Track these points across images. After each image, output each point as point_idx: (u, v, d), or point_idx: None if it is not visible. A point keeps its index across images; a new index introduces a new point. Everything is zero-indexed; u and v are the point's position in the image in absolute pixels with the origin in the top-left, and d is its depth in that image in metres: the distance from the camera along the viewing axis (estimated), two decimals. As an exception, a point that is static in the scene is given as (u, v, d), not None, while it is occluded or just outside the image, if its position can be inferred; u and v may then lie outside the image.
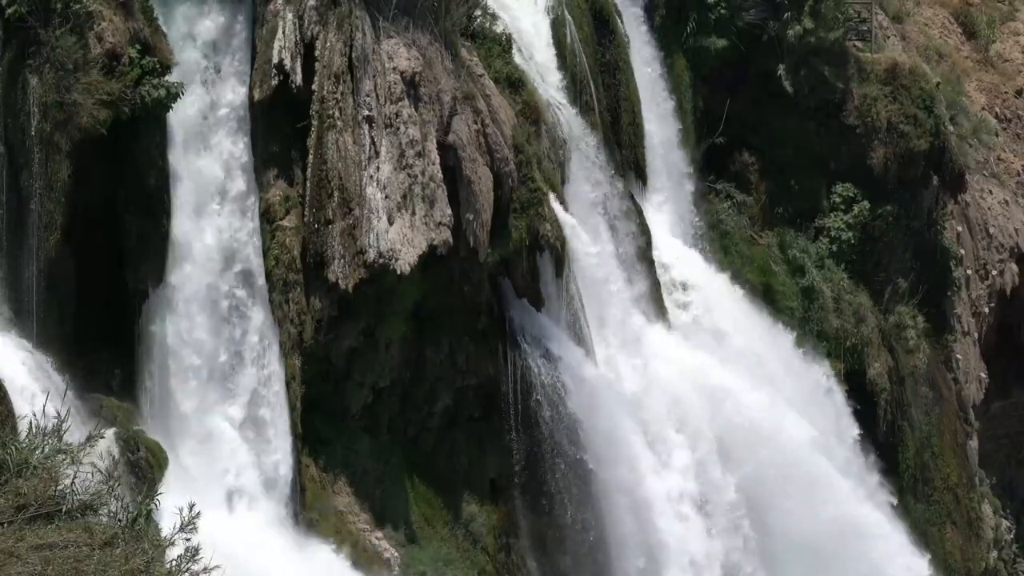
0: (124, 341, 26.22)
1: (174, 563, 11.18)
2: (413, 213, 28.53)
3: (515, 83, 32.55)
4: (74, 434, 12.79)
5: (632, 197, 36.21)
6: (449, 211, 28.96)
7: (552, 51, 34.89)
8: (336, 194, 28.06)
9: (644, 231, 36.00)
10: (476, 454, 31.31)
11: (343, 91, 28.29)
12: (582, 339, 32.65)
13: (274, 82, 27.83)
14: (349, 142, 28.22)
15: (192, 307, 27.01)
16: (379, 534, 29.11)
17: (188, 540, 11.31)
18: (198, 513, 11.22)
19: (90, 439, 11.99)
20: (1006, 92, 50.89)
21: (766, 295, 39.45)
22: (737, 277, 39.00)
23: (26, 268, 24.57)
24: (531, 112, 32.72)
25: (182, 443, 26.58)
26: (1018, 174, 50.05)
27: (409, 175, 28.60)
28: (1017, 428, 49.58)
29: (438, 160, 29.04)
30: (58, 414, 12.06)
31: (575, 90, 35.06)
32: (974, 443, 45.15)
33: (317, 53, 28.25)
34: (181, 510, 11.38)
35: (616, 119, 36.90)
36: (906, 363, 41.97)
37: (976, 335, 45.96)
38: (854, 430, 39.23)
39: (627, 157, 37.03)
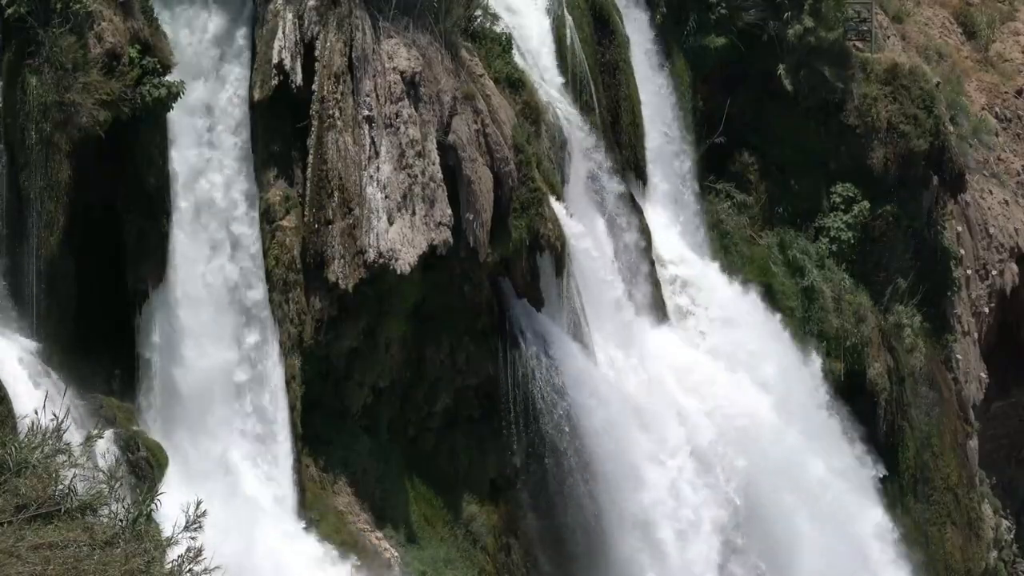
0: (124, 341, 26.21)
1: (174, 564, 11.17)
2: (413, 213, 28.53)
3: (515, 83, 32.54)
4: (74, 434, 12.78)
5: (632, 197, 36.20)
6: (449, 211, 28.96)
7: (552, 51, 34.88)
8: (336, 194, 28.05)
9: (644, 231, 36.00)
10: (476, 454, 31.31)
11: (343, 91, 28.29)
12: (582, 339, 32.65)
13: (274, 82, 27.82)
14: (349, 142, 28.22)
15: (192, 307, 27.01)
16: (379, 534, 29.10)
17: (193, 539, 11.27)
18: (204, 512, 11.19)
19: (89, 439, 11.97)
20: (1006, 92, 50.89)
21: (766, 295, 39.43)
22: (737, 277, 38.99)
23: (26, 268, 24.55)
24: (531, 112, 32.72)
25: (182, 443, 26.56)
26: (1018, 174, 50.06)
27: (409, 175, 28.59)
28: (1017, 428, 49.58)
29: (438, 160, 29.03)
30: (55, 415, 12.04)
31: (575, 90, 35.06)
32: (974, 443, 45.14)
33: (317, 53, 28.24)
34: (187, 508, 11.34)
35: (616, 119, 36.89)
36: (906, 363, 41.96)
37: (976, 335, 45.96)
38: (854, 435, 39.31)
39: (627, 157, 37.02)
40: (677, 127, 39.47)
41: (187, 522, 11.04)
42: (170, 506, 12.81)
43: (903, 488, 41.46)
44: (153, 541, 11.49)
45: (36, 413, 12.70)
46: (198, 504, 11.07)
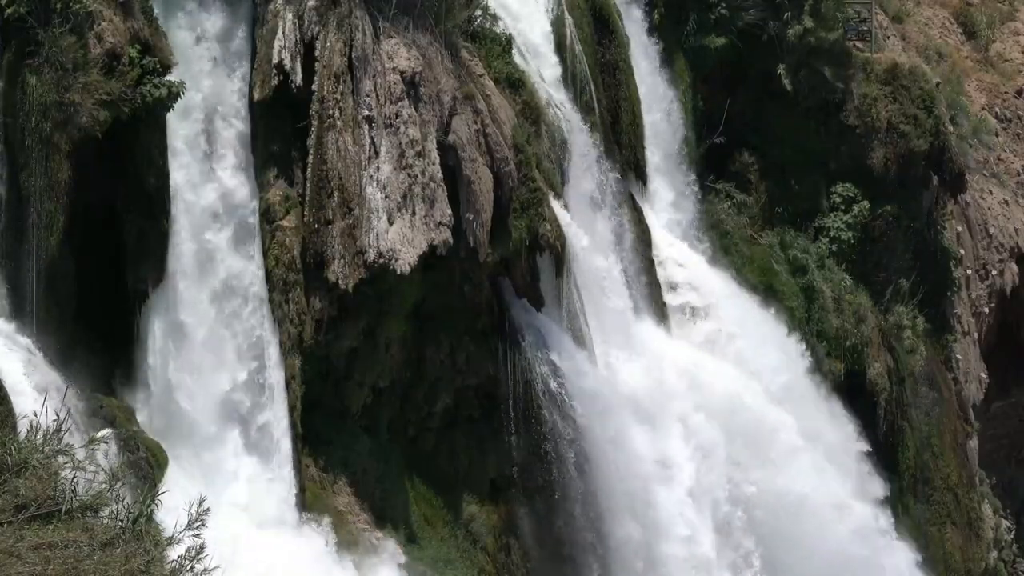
0: (124, 341, 26.20)
1: (175, 563, 11.15)
2: (413, 213, 28.53)
3: (515, 83, 32.54)
4: (74, 435, 12.76)
5: (632, 197, 36.20)
6: (449, 211, 28.96)
7: (552, 51, 34.87)
8: (336, 194, 28.05)
9: (644, 231, 36.00)
10: (476, 454, 31.31)
11: (343, 91, 28.28)
12: (582, 339, 32.65)
13: (274, 82, 27.82)
14: (349, 142, 28.21)
15: (192, 307, 27.01)
16: (379, 534, 29.10)
17: (198, 537, 11.24)
18: (207, 509, 11.16)
19: (92, 442, 11.96)
20: (1006, 92, 50.89)
21: (766, 295, 39.44)
22: (737, 277, 38.99)
23: (26, 268, 24.54)
24: (531, 112, 32.72)
25: (181, 443, 26.56)
26: (1018, 174, 50.07)
27: (409, 175, 28.59)
28: (1017, 428, 49.58)
29: (438, 160, 29.03)
30: (57, 415, 12.02)
31: (575, 90, 35.05)
32: (974, 443, 45.15)
33: (317, 53, 28.24)
34: (191, 506, 11.31)
35: (616, 119, 36.89)
36: (906, 363, 41.96)
37: (976, 335, 45.96)
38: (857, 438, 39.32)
39: (627, 157, 37.02)
40: (677, 127, 39.46)
41: (190, 520, 11.03)
42: (170, 506, 12.80)
43: (903, 488, 41.46)
44: (153, 541, 11.48)
45: (35, 415, 12.68)
46: (201, 502, 11.05)
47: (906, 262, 42.45)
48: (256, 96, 27.78)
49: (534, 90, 33.14)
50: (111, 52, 25.01)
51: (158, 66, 25.42)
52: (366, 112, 28.43)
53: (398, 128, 28.70)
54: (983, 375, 46.07)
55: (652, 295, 36.08)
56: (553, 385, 31.38)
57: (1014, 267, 47.54)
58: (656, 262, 36.46)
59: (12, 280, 24.65)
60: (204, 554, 11.19)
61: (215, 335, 27.40)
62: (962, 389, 44.71)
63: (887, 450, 40.84)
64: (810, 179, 41.67)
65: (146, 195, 25.83)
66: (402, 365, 30.27)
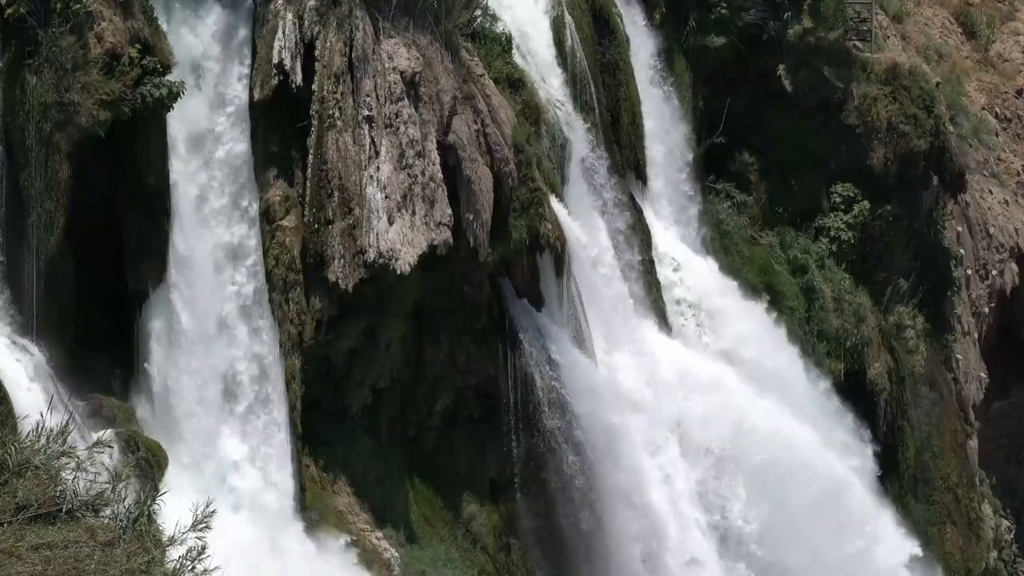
0: (124, 341, 26.18)
1: (176, 562, 11.15)
2: (413, 213, 28.52)
3: (515, 83, 32.54)
4: (75, 435, 12.76)
5: (632, 197, 36.20)
6: (449, 211, 28.95)
7: (552, 51, 34.87)
8: (336, 194, 28.04)
9: (644, 231, 36.00)
10: (476, 454, 31.31)
11: (343, 91, 28.27)
12: (582, 339, 32.64)
13: (274, 82, 27.80)
14: (349, 142, 28.21)
15: (192, 307, 27.00)
16: (379, 534, 29.10)
17: (201, 538, 11.24)
18: (213, 511, 11.16)
19: (97, 444, 11.96)
20: (1006, 92, 50.91)
21: (766, 295, 39.43)
22: (737, 277, 38.98)
23: (26, 268, 24.52)
24: (531, 112, 32.71)
25: (182, 443, 26.55)
26: (1018, 174, 50.08)
27: (409, 175, 28.59)
28: (1017, 428, 49.60)
29: (438, 160, 29.02)
30: (72, 413, 12.01)
31: (575, 90, 35.04)
32: (974, 443, 45.16)
33: (317, 53, 28.22)
34: (196, 507, 11.31)
35: (616, 119, 36.88)
36: (906, 363, 41.98)
37: (976, 335, 45.98)
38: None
39: (627, 157, 37.01)
40: (677, 127, 39.46)
41: (194, 521, 11.02)
42: (170, 506, 12.79)
43: (903, 488, 41.46)
44: (154, 541, 11.48)
45: (41, 415, 12.68)
46: (207, 504, 11.05)
47: (906, 262, 42.47)
48: (256, 96, 27.76)
49: (534, 90, 33.14)
50: (111, 52, 25.00)
51: (158, 66, 25.40)
52: (366, 112, 28.42)
53: (398, 128, 28.69)
54: (983, 375, 46.09)
55: (652, 295, 36.08)
56: (553, 385, 31.38)
57: (1014, 267, 47.57)
58: (656, 262, 36.46)
59: (12, 280, 24.63)
60: (205, 555, 11.18)
61: (215, 334, 27.40)
62: (962, 389, 44.73)
63: (887, 450, 40.84)
64: (810, 179, 41.69)
65: (146, 195, 25.82)
66: (402, 365, 30.27)
